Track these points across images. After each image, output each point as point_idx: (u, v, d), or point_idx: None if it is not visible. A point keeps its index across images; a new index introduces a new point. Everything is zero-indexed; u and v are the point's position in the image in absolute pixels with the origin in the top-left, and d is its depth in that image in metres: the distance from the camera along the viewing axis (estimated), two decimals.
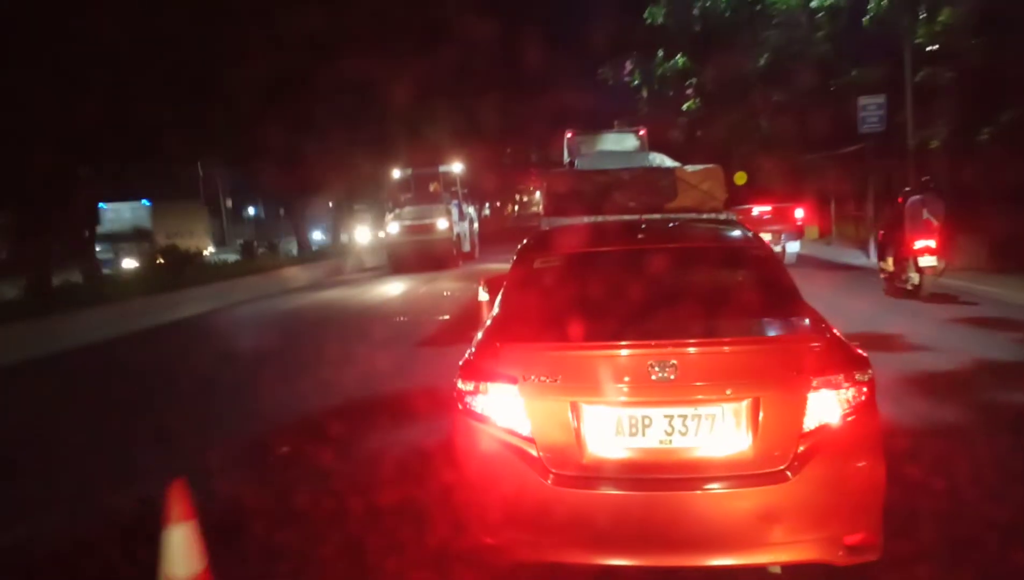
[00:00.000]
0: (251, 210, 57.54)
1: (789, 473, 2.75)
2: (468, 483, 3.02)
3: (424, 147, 25.04)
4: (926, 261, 10.53)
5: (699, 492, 2.80)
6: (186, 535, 2.65)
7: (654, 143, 29.10)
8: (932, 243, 10.53)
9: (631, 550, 2.87)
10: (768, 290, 3.40)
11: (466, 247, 22.51)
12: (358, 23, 20.13)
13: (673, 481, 2.83)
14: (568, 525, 2.83)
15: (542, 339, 3.07)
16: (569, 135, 18.25)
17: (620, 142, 17.79)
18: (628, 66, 25.29)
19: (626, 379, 2.84)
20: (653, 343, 2.88)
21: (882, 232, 12.07)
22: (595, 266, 3.68)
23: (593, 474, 2.85)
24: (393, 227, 20.36)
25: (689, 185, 9.88)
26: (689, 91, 24.66)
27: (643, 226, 4.15)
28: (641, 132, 18.87)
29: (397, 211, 21.02)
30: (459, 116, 27.92)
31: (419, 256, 19.59)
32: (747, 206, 16.46)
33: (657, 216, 9.37)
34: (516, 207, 68.28)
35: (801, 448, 2.77)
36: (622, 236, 4.04)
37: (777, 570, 3.12)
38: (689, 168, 10.25)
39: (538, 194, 65.38)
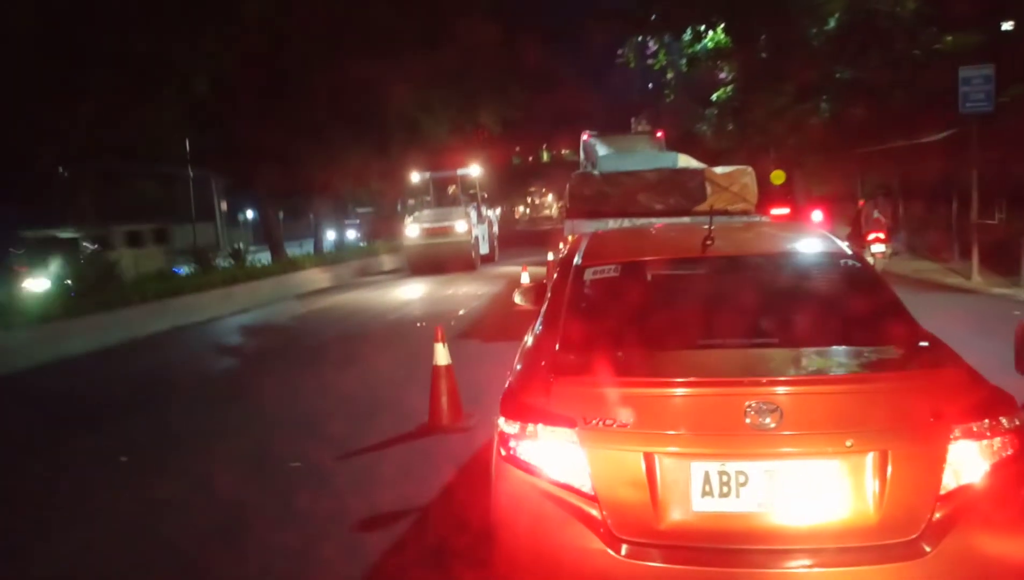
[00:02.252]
0: (249, 214, 54.55)
1: (926, 546, 2.18)
2: (511, 549, 2.46)
3: (429, 149, 24.58)
4: (876, 248, 13.31)
5: (809, 569, 2.21)
6: None
7: (680, 137, 26.58)
8: (881, 235, 13.46)
9: None
10: (875, 311, 2.80)
11: (484, 250, 22.35)
12: (357, 21, 19.35)
13: (776, 554, 2.25)
14: None
15: (607, 372, 2.49)
16: (585, 137, 17.90)
17: (637, 144, 17.53)
18: (651, 46, 22.02)
19: (717, 425, 2.32)
20: (751, 381, 2.37)
21: (849, 229, 14.25)
22: (663, 279, 3.16)
23: (673, 543, 2.30)
24: (412, 230, 20.39)
25: (719, 186, 9.75)
26: (723, 75, 21.32)
27: (710, 229, 3.20)
28: (659, 134, 18.46)
29: (416, 214, 21.27)
30: (464, 116, 25.54)
31: (438, 259, 19.58)
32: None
33: (686, 219, 9.14)
34: (527, 210, 65.37)
35: (938, 514, 2.21)
36: (688, 242, 3.33)
37: None
38: (719, 169, 10.11)
39: (550, 197, 64.20)
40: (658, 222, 9.41)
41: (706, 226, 3.32)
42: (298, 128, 19.26)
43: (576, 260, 3.22)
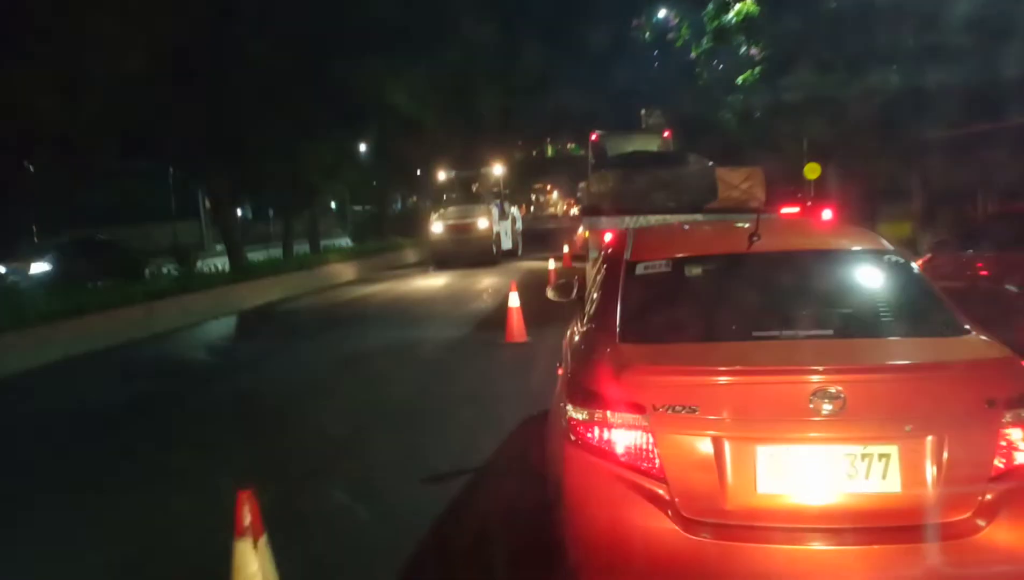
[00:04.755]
0: (238, 211, 51.53)
1: (981, 522, 2.34)
2: (582, 529, 2.56)
3: (424, 144, 24.06)
4: None
5: (870, 546, 2.35)
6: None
7: (700, 127, 24.03)
8: None
9: None
10: (921, 304, 3.02)
11: (507, 245, 23.43)
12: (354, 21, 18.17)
13: (838, 533, 2.39)
14: None
15: (671, 360, 2.69)
16: (593, 137, 18.29)
17: (645, 143, 17.77)
18: (672, 20, 18.94)
19: (781, 410, 2.46)
20: (814, 369, 2.49)
21: None
22: (712, 274, 3.23)
23: (739, 522, 2.42)
24: (437, 226, 21.71)
25: (729, 185, 10.05)
26: (754, 52, 18.20)
27: (756, 226, 3.23)
28: (665, 134, 19.08)
29: (441, 211, 22.48)
30: (457, 103, 22.93)
31: (461, 253, 20.78)
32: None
33: (699, 216, 9.60)
34: (531, 208, 62.36)
35: (989, 495, 2.37)
36: (733, 239, 3.47)
37: None
38: (728, 169, 10.45)
39: (555, 194, 61.58)
40: (672, 219, 9.40)
41: (740, 224, 3.66)
42: (256, 113, 16.42)
43: (626, 256, 3.30)
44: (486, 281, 17.42)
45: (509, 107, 28.39)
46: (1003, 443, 2.38)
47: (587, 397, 2.57)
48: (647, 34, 19.17)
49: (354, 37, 18.39)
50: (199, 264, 16.87)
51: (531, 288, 14.69)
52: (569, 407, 2.61)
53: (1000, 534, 2.31)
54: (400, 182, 35.38)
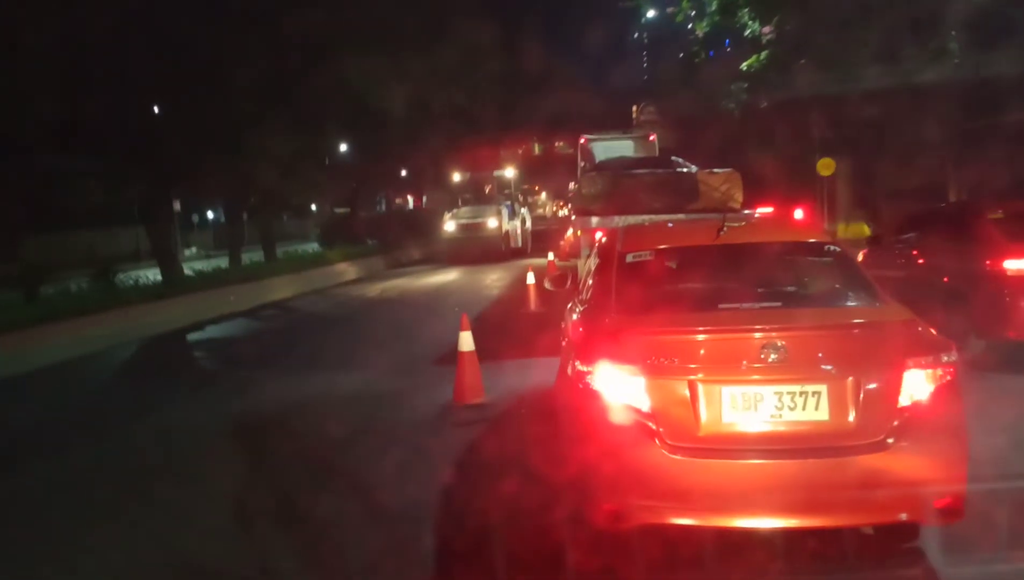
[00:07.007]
0: (209, 215, 48.79)
1: (891, 439, 3.07)
2: (588, 455, 3.24)
3: (409, 146, 24.41)
4: None
5: (806, 461, 3.10)
6: None
7: (700, 118, 22.83)
8: None
9: (743, 514, 3.16)
10: (851, 282, 3.79)
11: (517, 243, 24.92)
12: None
13: (782, 451, 3.12)
14: (685, 492, 3.13)
15: (657, 325, 3.37)
16: (582, 140, 19.50)
17: (631, 146, 19.01)
18: None
19: (740, 360, 3.18)
20: (765, 327, 3.24)
21: None
22: (689, 260, 4.02)
23: (708, 446, 3.14)
24: (450, 225, 23.42)
25: (710, 188, 10.89)
26: (766, 30, 16.00)
27: (723, 223, 4.11)
28: (651, 137, 20.13)
29: (455, 211, 24.09)
30: (429, 92, 20.70)
31: (471, 250, 22.04)
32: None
33: (681, 216, 9.94)
34: None
35: (896, 422, 3.09)
36: (705, 232, 4.16)
37: (869, 530, 3.44)
38: (709, 172, 11.28)
39: (544, 195, 59.51)
40: (657, 219, 9.73)
41: (717, 220, 4.17)
42: (186, 98, 14.09)
43: (618, 247, 4.06)
44: (478, 285, 15.64)
45: (496, 104, 26.18)
46: (906, 384, 3.11)
47: (593, 354, 3.30)
48: (641, 5, 16.95)
49: (311, 20, 16.04)
50: (122, 276, 14.40)
51: (513, 302, 12.69)
52: (578, 363, 3.36)
53: (903, 450, 3.06)
54: (380, 183, 33.10)
